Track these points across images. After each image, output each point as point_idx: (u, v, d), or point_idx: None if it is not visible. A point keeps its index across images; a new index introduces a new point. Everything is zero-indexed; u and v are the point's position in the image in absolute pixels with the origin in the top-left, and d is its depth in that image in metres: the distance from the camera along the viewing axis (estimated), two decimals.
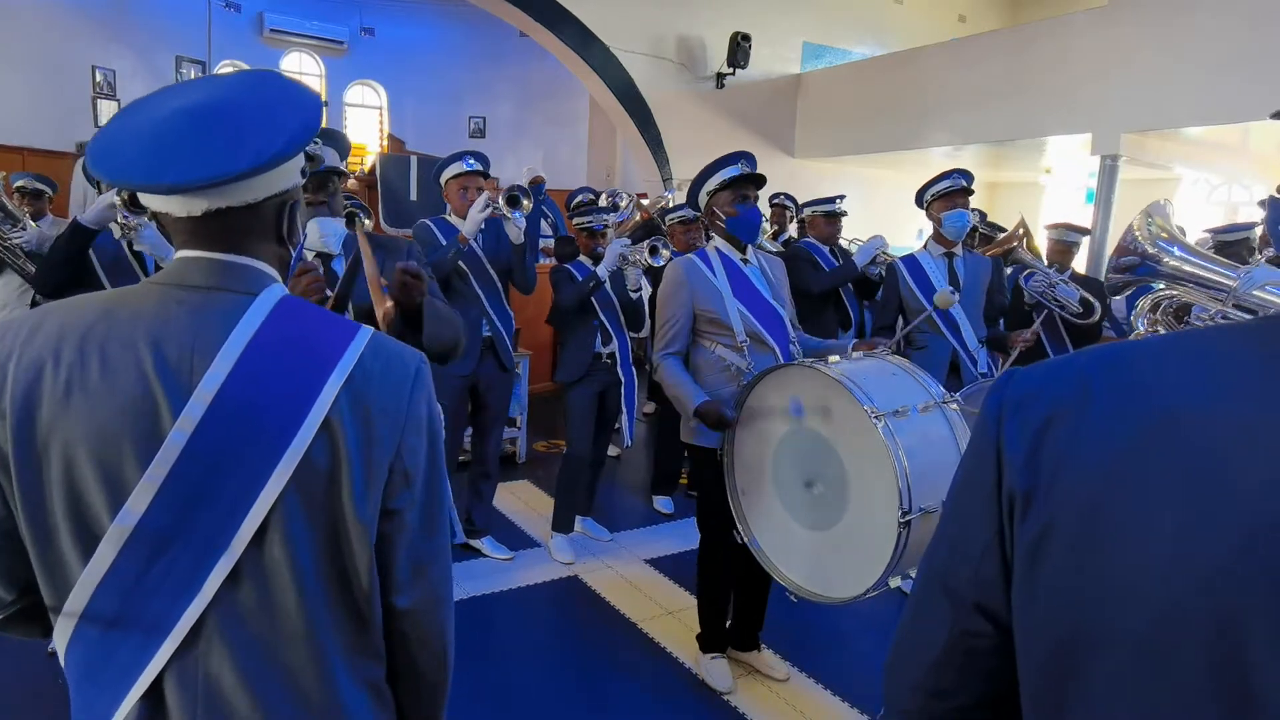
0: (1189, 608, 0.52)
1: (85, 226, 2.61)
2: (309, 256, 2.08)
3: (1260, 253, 3.85)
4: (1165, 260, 2.30)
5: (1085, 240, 4.61)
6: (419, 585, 0.97)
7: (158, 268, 2.84)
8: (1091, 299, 4.15)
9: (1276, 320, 0.59)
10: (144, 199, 0.91)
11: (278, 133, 0.89)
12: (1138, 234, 2.33)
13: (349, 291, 1.71)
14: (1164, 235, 2.31)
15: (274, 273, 0.96)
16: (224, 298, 0.90)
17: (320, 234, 2.04)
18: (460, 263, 3.43)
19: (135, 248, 2.79)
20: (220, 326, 0.88)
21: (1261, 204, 4.25)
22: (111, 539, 0.85)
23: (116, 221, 2.65)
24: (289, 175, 0.95)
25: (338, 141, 2.15)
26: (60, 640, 0.90)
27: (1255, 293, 2.07)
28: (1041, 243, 4.96)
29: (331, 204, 2.07)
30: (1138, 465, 0.56)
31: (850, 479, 2.21)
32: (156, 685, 0.89)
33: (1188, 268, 2.25)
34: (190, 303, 0.89)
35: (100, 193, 2.85)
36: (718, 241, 2.76)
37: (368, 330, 0.95)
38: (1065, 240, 4.42)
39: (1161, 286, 2.47)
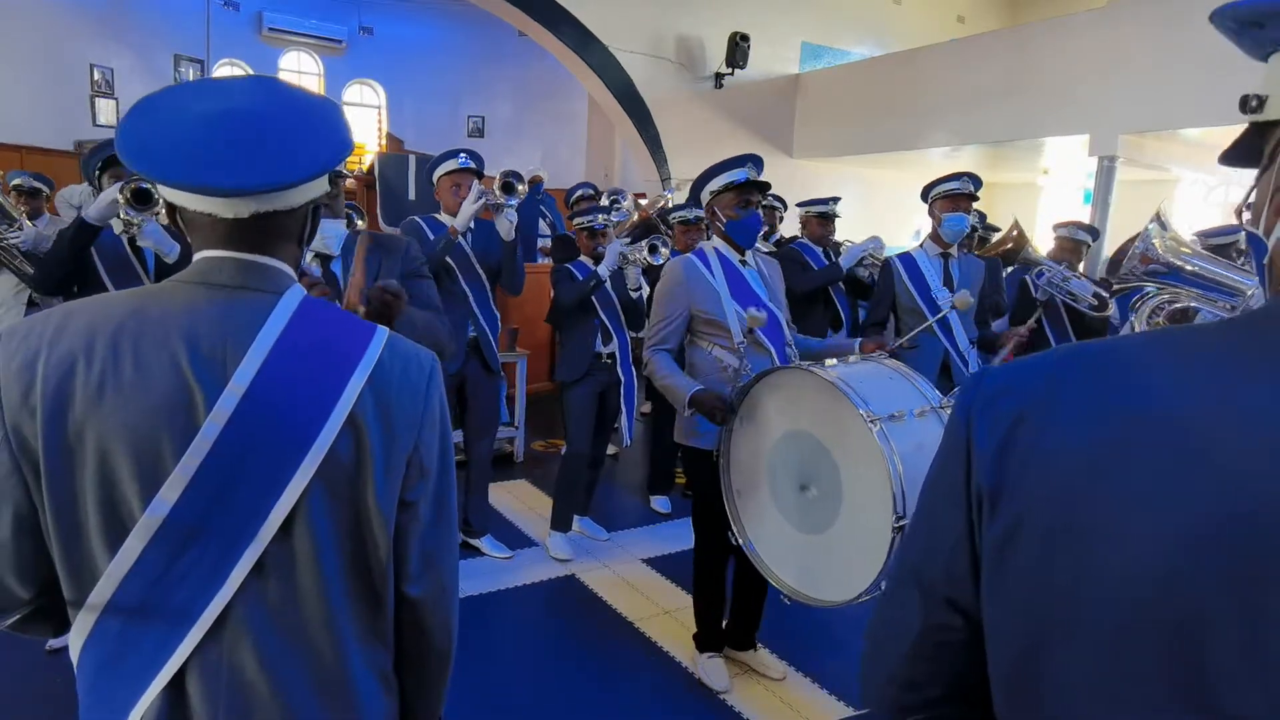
0: (1151, 603, 0.53)
1: (90, 223, 2.61)
2: (308, 258, 2.09)
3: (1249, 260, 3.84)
4: (1189, 268, 2.35)
5: (1093, 241, 4.58)
6: (430, 575, 1.02)
7: (158, 263, 2.85)
8: (1104, 293, 4.16)
9: (1243, 321, 0.60)
10: (181, 198, 0.92)
11: (326, 142, 0.94)
12: (1160, 247, 2.39)
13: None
14: (1184, 248, 2.37)
15: (292, 273, 1.00)
16: (251, 296, 0.94)
17: (322, 236, 2.05)
18: (449, 260, 3.41)
19: (139, 243, 2.79)
20: (249, 324, 0.91)
21: (1238, 212, 4.24)
22: (141, 530, 0.87)
23: (120, 218, 2.65)
24: (323, 183, 1.00)
25: None
26: (78, 636, 0.91)
27: None
28: (1043, 243, 4.95)
29: (334, 206, 2.09)
30: (1104, 464, 0.57)
31: (844, 483, 2.21)
32: (179, 676, 0.90)
33: (1209, 274, 2.30)
34: (219, 300, 0.92)
35: (99, 191, 2.84)
36: (716, 242, 2.76)
37: (384, 330, 1.00)
38: (1074, 238, 4.40)
39: (1153, 288, 2.50)
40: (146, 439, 0.86)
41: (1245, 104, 0.64)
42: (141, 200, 2.61)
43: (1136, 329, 2.64)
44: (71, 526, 0.88)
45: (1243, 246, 4.07)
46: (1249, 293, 2.17)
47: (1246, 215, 0.67)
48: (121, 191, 2.57)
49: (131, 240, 2.81)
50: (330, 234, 2.08)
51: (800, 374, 2.31)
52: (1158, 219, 2.47)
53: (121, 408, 0.86)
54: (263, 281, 0.95)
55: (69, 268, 2.66)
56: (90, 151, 3.02)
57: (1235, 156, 0.69)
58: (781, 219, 5.50)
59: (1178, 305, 2.54)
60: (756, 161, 2.71)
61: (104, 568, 0.88)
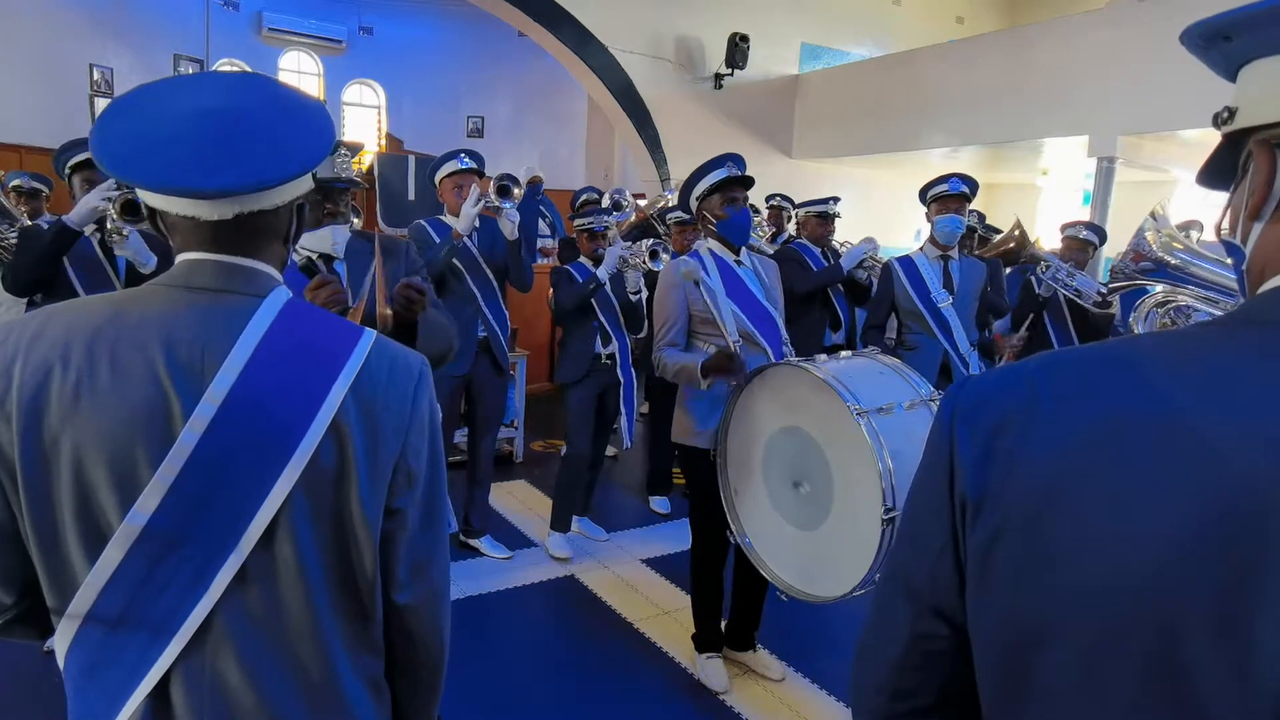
0: (1131, 605, 0.54)
1: (71, 228, 2.59)
2: (313, 258, 2.12)
3: None
4: (1182, 267, 2.34)
5: (1100, 243, 4.55)
6: (419, 582, 1.00)
7: (129, 267, 2.83)
8: (1105, 289, 4.14)
9: (1216, 325, 0.61)
10: (162, 201, 0.90)
11: (309, 139, 0.92)
12: (1153, 243, 2.38)
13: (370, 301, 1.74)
14: (1178, 245, 2.36)
15: (277, 275, 0.98)
16: (232, 300, 0.91)
17: (334, 240, 2.10)
18: (455, 261, 3.42)
19: (118, 253, 2.77)
20: (229, 328, 0.89)
21: (1217, 227, 4.22)
22: (120, 540, 0.85)
23: (108, 225, 2.63)
24: (307, 181, 0.98)
25: (351, 150, 2.23)
26: (61, 642, 0.90)
27: None
28: (1048, 243, 4.94)
29: (345, 213, 2.13)
30: (1082, 466, 0.58)
31: (835, 477, 2.22)
32: (162, 684, 0.89)
33: (1202, 273, 2.29)
34: (199, 304, 0.90)
35: (74, 187, 2.82)
36: (711, 243, 2.77)
37: (371, 333, 0.97)
38: (1081, 237, 4.39)
39: (1159, 289, 2.49)
40: (123, 447, 0.85)
41: (1217, 119, 0.65)
42: (131, 212, 2.61)
43: (1136, 330, 2.64)
44: (49, 535, 0.87)
45: None
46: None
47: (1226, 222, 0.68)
48: (113, 205, 2.56)
49: (103, 243, 2.78)
50: (340, 239, 2.12)
51: (791, 370, 2.32)
52: (1153, 215, 2.46)
53: (97, 415, 0.84)
54: (245, 284, 0.92)
55: (44, 270, 2.63)
56: (60, 149, 2.97)
57: (1210, 176, 0.70)
58: (789, 219, 5.50)
59: (1174, 304, 2.52)
60: (736, 159, 2.72)
61: (84, 576, 0.86)
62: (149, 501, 0.85)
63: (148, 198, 0.90)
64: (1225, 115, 0.64)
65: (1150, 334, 0.64)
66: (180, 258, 0.93)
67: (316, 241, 2.06)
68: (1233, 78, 0.65)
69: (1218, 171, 0.69)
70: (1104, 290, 4.01)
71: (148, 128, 0.87)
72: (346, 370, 0.92)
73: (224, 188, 0.86)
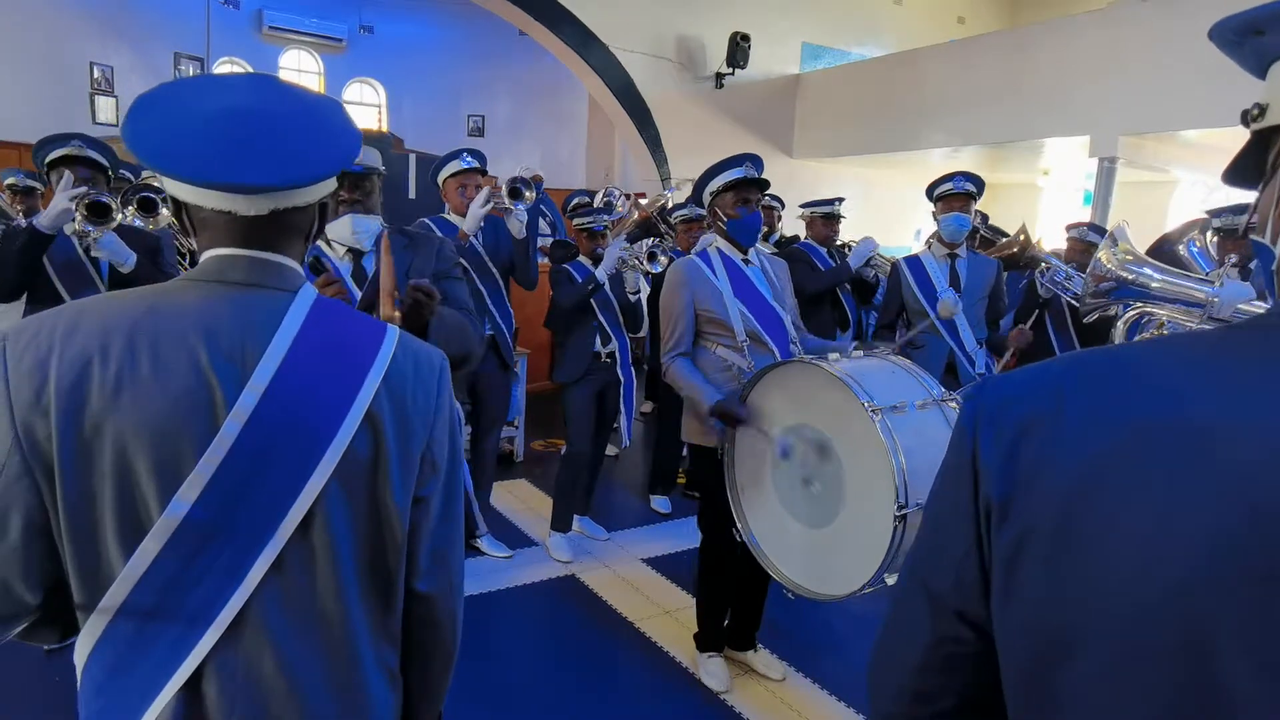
0: (1159, 614, 0.53)
1: (42, 231, 2.55)
2: (340, 252, 2.09)
3: (1225, 263, 3.76)
4: (1140, 281, 2.32)
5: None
6: (439, 570, 1.04)
7: (112, 271, 2.80)
8: None
9: (1244, 329, 0.59)
10: (198, 196, 0.90)
11: (345, 137, 0.97)
12: (1107, 262, 2.36)
13: (374, 300, 1.73)
14: (1130, 258, 2.33)
15: (302, 271, 1.00)
16: (266, 294, 0.94)
17: (353, 230, 2.05)
18: (462, 260, 3.42)
19: (94, 254, 2.73)
20: (266, 321, 0.92)
21: (1244, 230, 4.18)
22: (159, 531, 0.86)
23: (76, 229, 2.60)
24: (333, 181, 1.00)
25: (378, 143, 2.18)
26: (87, 640, 0.90)
27: (1241, 306, 2.08)
28: (1050, 244, 4.93)
29: (367, 203, 2.08)
30: (1110, 473, 0.56)
31: (847, 475, 2.22)
32: (194, 678, 0.90)
33: (1158, 285, 2.26)
34: (234, 299, 0.92)
35: (53, 183, 2.77)
36: (719, 242, 2.77)
37: (395, 329, 1.01)
38: (1085, 239, 4.38)
39: (1138, 306, 2.47)
40: (166, 438, 0.86)
41: (1246, 116, 0.63)
42: (97, 214, 2.57)
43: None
44: (85, 528, 0.87)
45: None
46: (1213, 300, 2.13)
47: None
48: (79, 205, 2.52)
49: (87, 248, 2.75)
50: (363, 230, 2.07)
51: (804, 368, 2.32)
52: (1111, 237, 2.44)
53: (140, 406, 0.85)
54: (276, 279, 0.95)
55: (20, 275, 2.59)
56: (38, 144, 2.92)
57: (1237, 175, 0.69)
58: (780, 218, 5.50)
59: (1145, 314, 2.49)
60: (755, 160, 2.72)
61: (119, 570, 0.87)
62: (190, 492, 0.86)
63: (179, 191, 0.91)
64: (1255, 112, 0.63)
65: (1179, 335, 0.63)
66: (210, 253, 0.94)
67: (335, 231, 2.04)
68: (1263, 74, 0.63)
69: (1245, 170, 0.67)
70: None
71: (184, 122, 0.89)
72: (378, 363, 0.95)
73: (267, 183, 0.88)
